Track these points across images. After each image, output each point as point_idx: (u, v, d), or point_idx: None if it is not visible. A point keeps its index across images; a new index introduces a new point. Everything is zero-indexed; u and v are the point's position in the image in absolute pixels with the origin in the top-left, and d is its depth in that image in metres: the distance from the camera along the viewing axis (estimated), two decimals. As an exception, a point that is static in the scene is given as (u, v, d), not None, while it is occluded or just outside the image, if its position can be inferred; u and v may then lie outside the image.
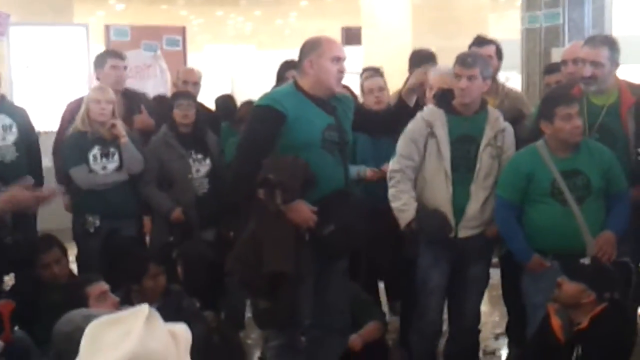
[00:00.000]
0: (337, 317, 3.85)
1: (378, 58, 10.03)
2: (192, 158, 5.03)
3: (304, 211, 3.57)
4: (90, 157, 4.88)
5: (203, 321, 4.15)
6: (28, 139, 5.14)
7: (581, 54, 4.25)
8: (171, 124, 5.07)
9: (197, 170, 5.03)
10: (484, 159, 4.12)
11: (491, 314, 5.71)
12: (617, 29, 7.75)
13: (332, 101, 3.78)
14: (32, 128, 5.28)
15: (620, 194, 3.99)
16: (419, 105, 4.23)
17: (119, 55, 5.52)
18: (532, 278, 4.01)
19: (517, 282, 4.17)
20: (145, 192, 5.02)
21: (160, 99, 5.89)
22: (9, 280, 5.06)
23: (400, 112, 4.08)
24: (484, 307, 4.95)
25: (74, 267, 4.90)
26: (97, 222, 4.87)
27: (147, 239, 5.32)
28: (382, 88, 4.85)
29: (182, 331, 1.67)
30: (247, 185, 3.62)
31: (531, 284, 4.02)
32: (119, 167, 4.92)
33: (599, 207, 3.97)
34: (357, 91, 5.13)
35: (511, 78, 7.61)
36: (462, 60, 4.10)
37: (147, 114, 5.48)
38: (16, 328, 3.95)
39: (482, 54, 4.46)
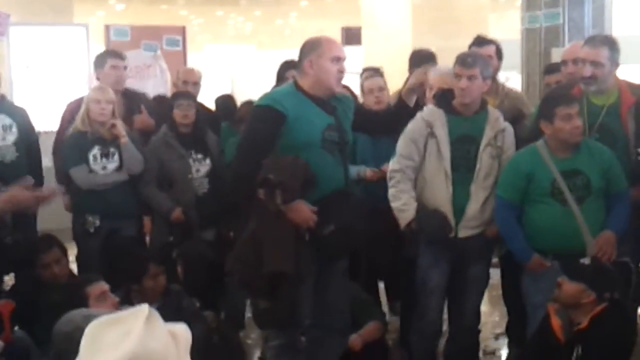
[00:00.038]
0: (337, 317, 3.85)
1: (378, 58, 10.03)
2: (192, 158, 5.03)
3: (304, 211, 3.57)
4: (90, 157, 4.88)
5: (203, 321, 4.15)
6: (28, 139, 5.15)
7: (581, 54, 4.25)
8: (171, 124, 5.07)
9: (197, 170, 5.03)
10: (484, 159, 4.12)
11: (491, 314, 5.71)
12: (617, 29, 7.75)
13: (332, 101, 3.78)
14: (32, 128, 5.29)
15: (620, 194, 3.99)
16: (418, 105, 4.23)
17: (119, 56, 5.52)
18: (532, 278, 4.01)
19: (517, 282, 4.17)
20: (145, 192, 5.02)
21: (160, 99, 5.89)
22: (9, 280, 5.06)
23: (400, 112, 4.08)
24: (484, 307, 4.95)
25: (73, 267, 4.90)
26: (97, 222, 4.87)
27: (147, 239, 5.33)
28: (382, 88, 4.85)
29: (182, 331, 1.67)
30: (247, 185, 3.62)
31: (531, 284, 4.02)
32: (119, 167, 4.92)
33: (599, 207, 3.97)
34: (357, 91, 5.14)
35: (511, 78, 7.61)
36: (462, 60, 4.10)
37: (147, 114, 5.48)
38: (16, 328, 3.95)
39: (482, 54, 4.46)
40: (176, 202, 4.97)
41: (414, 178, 4.17)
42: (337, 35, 14.21)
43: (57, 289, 4.02)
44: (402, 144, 4.19)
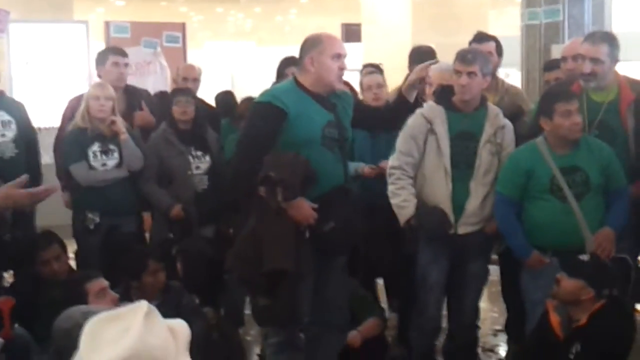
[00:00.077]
0: (335, 313, 3.86)
1: (378, 55, 10.02)
2: (191, 155, 5.03)
3: (304, 208, 3.57)
4: (90, 154, 4.88)
5: (202, 318, 4.15)
6: (27, 136, 5.14)
7: (581, 50, 4.25)
8: (170, 120, 5.07)
9: (197, 167, 5.03)
10: (484, 156, 4.12)
11: (490, 311, 5.71)
12: (616, 26, 7.75)
13: (331, 98, 3.77)
14: (31, 124, 5.28)
15: (620, 191, 4.00)
16: (418, 102, 4.23)
17: (121, 52, 5.53)
18: (531, 275, 4.02)
19: (516, 279, 4.17)
20: (144, 188, 5.02)
21: (161, 95, 5.89)
22: (9, 277, 5.07)
23: (400, 108, 4.08)
24: (483, 304, 4.96)
25: (73, 263, 4.90)
26: (97, 219, 4.87)
27: (147, 235, 5.33)
28: (381, 85, 4.84)
29: (181, 327, 1.67)
30: (247, 182, 3.62)
31: (530, 281, 4.02)
32: (119, 164, 4.92)
33: (598, 203, 3.97)
34: (357, 88, 5.13)
35: (511, 75, 7.61)
36: (462, 57, 4.10)
37: (147, 111, 5.48)
38: (16, 325, 3.96)
39: (482, 50, 4.45)
40: (176, 199, 4.97)
41: (413, 175, 4.17)
42: (337, 32, 14.18)
43: (56, 285, 4.02)
44: (401, 140, 4.19)
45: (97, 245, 4.86)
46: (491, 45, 4.79)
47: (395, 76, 5.56)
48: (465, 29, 7.16)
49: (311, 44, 3.72)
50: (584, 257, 3.69)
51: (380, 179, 4.38)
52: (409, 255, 4.30)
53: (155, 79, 7.75)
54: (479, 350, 4.77)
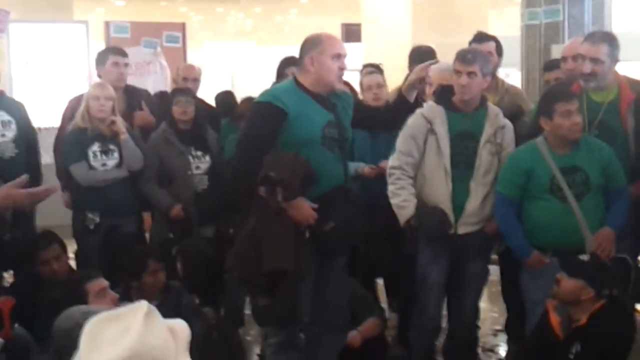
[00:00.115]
0: (335, 313, 3.86)
1: (378, 55, 10.02)
2: (191, 155, 5.03)
3: (304, 208, 3.57)
4: (90, 154, 4.88)
5: (202, 318, 4.15)
6: (27, 136, 5.14)
7: (581, 50, 4.25)
8: (170, 120, 5.07)
9: (197, 167, 5.03)
10: (484, 156, 4.12)
11: (490, 311, 5.71)
12: (616, 26, 7.75)
13: (331, 98, 3.77)
14: (31, 124, 5.27)
15: (620, 191, 4.00)
16: (418, 102, 4.23)
17: (121, 52, 5.53)
18: (531, 275, 4.01)
19: (516, 279, 4.17)
20: (144, 188, 5.02)
21: (162, 95, 5.89)
22: (9, 277, 5.07)
23: (400, 107, 4.08)
24: (483, 304, 4.96)
25: (73, 264, 4.90)
26: (97, 219, 4.87)
27: (147, 235, 5.33)
28: (381, 85, 4.84)
29: (180, 327, 1.67)
30: (247, 182, 3.62)
31: (530, 281, 4.02)
32: (119, 164, 4.92)
33: (598, 203, 3.97)
34: (357, 88, 5.13)
35: (511, 75, 7.61)
36: (462, 57, 4.10)
37: (147, 111, 5.48)
38: (16, 325, 3.96)
39: (482, 50, 4.45)
40: (176, 199, 4.97)
41: (413, 175, 4.17)
42: (337, 32, 14.18)
43: (56, 285, 4.02)
44: (401, 140, 4.19)
45: (97, 245, 4.86)
46: (491, 45, 4.79)
47: (395, 76, 5.56)
48: (465, 29, 7.16)
49: (311, 44, 3.71)
50: (584, 257, 3.69)
51: (380, 179, 4.37)
52: (409, 255, 4.30)
53: (155, 79, 7.75)
54: (479, 350, 4.77)
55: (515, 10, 8.39)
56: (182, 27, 9.60)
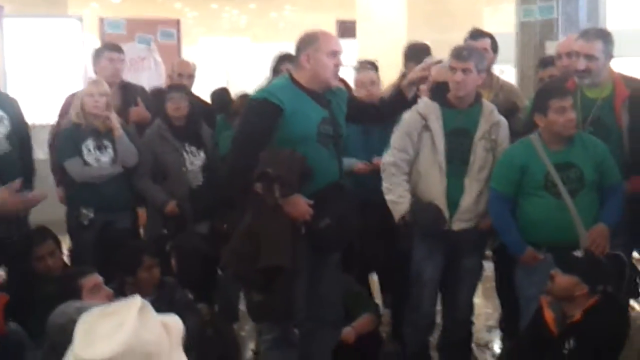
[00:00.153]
0: (329, 309, 3.86)
1: (373, 51, 10.00)
2: (186, 151, 5.03)
3: (300, 205, 3.57)
4: (84, 150, 4.87)
5: (197, 314, 4.15)
6: (20, 132, 5.11)
7: (575, 47, 4.26)
8: (165, 116, 5.07)
9: (192, 163, 5.03)
10: (478, 152, 4.13)
11: (484, 307, 5.72)
12: (611, 22, 7.75)
13: (326, 94, 3.77)
14: (24, 120, 5.25)
15: (614, 187, 4.00)
16: (415, 99, 4.22)
17: (116, 48, 5.54)
18: (525, 271, 4.02)
19: (510, 275, 4.18)
20: (139, 184, 5.01)
21: (157, 91, 5.88)
22: (3, 273, 5.05)
23: (396, 103, 4.07)
24: (477, 300, 4.96)
25: (67, 260, 4.89)
26: (92, 215, 4.86)
27: (142, 231, 5.33)
28: (374, 82, 4.83)
29: (174, 322, 1.67)
30: (242, 179, 3.61)
31: (524, 277, 4.03)
32: (113, 160, 4.91)
33: (593, 200, 3.97)
34: (352, 84, 5.12)
35: (505, 71, 7.61)
36: (457, 54, 4.10)
37: (143, 107, 5.48)
38: (10, 321, 3.95)
39: (477, 47, 4.45)
40: (170, 195, 4.96)
41: (408, 171, 4.17)
42: (331, 29, 14.17)
43: (50, 281, 4.01)
44: (396, 137, 4.20)
45: (91, 241, 4.86)
46: (486, 42, 4.79)
47: (390, 73, 5.56)
48: (460, 25, 7.15)
49: (307, 41, 3.71)
50: (578, 254, 3.70)
51: (374, 175, 4.38)
52: (403, 251, 4.31)
53: (149, 75, 7.75)
54: (473, 346, 4.78)
55: (510, 7, 8.38)
56: (177, 23, 9.59)
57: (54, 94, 7.22)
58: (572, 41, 4.48)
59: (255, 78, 5.25)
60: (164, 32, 8.87)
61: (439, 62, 4.12)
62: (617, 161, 4.04)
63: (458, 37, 5.04)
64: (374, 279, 5.27)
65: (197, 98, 5.76)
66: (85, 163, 4.88)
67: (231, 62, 15.91)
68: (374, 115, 4.18)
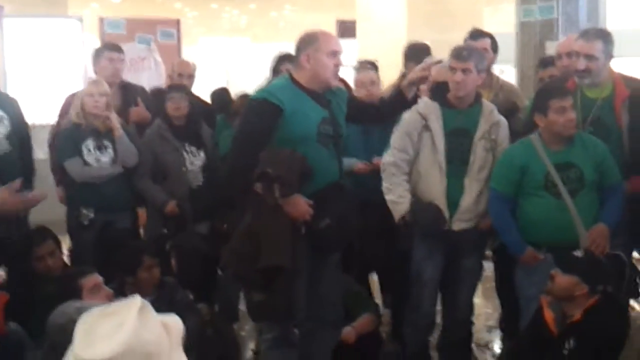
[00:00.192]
0: (329, 309, 3.86)
1: (373, 51, 10.00)
2: (186, 151, 5.03)
3: (301, 205, 3.57)
4: (84, 150, 4.87)
5: (197, 314, 4.15)
6: (20, 132, 5.11)
7: (575, 47, 4.26)
8: (165, 116, 5.07)
9: (192, 163, 5.03)
10: (478, 152, 4.13)
11: (484, 307, 5.72)
12: (611, 22, 7.75)
13: (326, 94, 3.77)
14: (24, 120, 5.25)
15: (614, 187, 4.00)
16: (415, 99, 4.22)
17: (116, 48, 5.54)
18: (525, 271, 4.02)
19: (510, 275, 4.18)
20: (139, 184, 5.02)
21: (158, 92, 5.89)
22: (3, 273, 5.05)
23: (397, 103, 4.07)
24: (477, 300, 4.96)
25: (67, 260, 4.89)
26: (92, 215, 4.86)
27: (142, 231, 5.33)
28: (374, 82, 4.82)
29: (174, 322, 1.67)
30: (243, 179, 3.61)
31: (524, 277, 4.03)
32: (113, 160, 4.91)
33: (593, 200, 3.97)
34: (352, 84, 5.11)
35: (505, 71, 7.60)
36: (457, 54, 4.10)
37: (143, 107, 5.47)
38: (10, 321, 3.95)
39: (477, 47, 4.45)
40: (170, 195, 4.96)
41: (408, 171, 4.17)
42: (331, 29, 14.17)
43: (51, 281, 4.01)
44: (396, 137, 4.20)
45: (91, 241, 4.86)
46: (486, 42, 4.79)
47: (390, 73, 5.56)
48: (460, 25, 7.16)
49: (307, 41, 3.71)
50: (578, 253, 3.69)
51: (373, 175, 4.38)
52: (403, 251, 4.31)
53: (149, 75, 7.75)
54: (473, 346, 4.78)
55: (510, 7, 8.38)
56: (177, 23, 9.59)
57: (54, 94, 7.22)
58: (572, 41, 4.48)
59: (255, 78, 5.24)
60: (164, 32, 8.87)
61: (439, 62, 4.12)
62: (617, 161, 4.04)
63: (458, 37, 5.04)
64: (373, 279, 5.27)
65: (197, 98, 5.76)
66: (85, 163, 4.88)
67: (231, 62, 15.91)
68: (374, 115, 4.18)
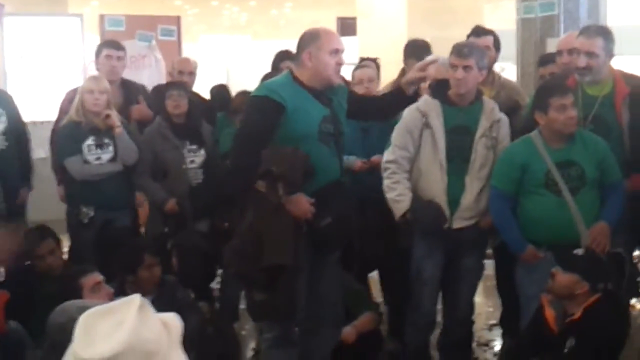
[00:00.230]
0: (329, 308, 3.85)
1: (373, 49, 9.98)
2: (186, 149, 5.03)
3: (303, 203, 3.56)
4: (85, 148, 4.86)
5: (197, 312, 4.15)
6: (17, 129, 5.09)
7: (576, 44, 4.25)
8: (165, 114, 5.06)
9: (192, 161, 5.03)
10: (479, 150, 4.12)
11: (485, 305, 5.72)
12: (612, 19, 7.74)
13: (327, 92, 3.76)
14: (20, 117, 5.24)
15: (615, 185, 4.00)
16: (416, 95, 4.21)
17: (114, 45, 5.52)
18: (526, 269, 4.02)
19: (511, 273, 4.17)
20: (139, 182, 5.01)
21: (159, 89, 5.88)
22: (3, 271, 5.05)
23: (397, 98, 4.06)
24: (478, 298, 4.95)
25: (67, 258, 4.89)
26: (92, 213, 4.86)
27: (142, 229, 5.32)
28: (372, 79, 4.81)
29: (173, 320, 1.67)
30: (245, 176, 3.61)
31: (525, 275, 4.02)
32: (114, 158, 4.90)
33: (593, 198, 3.97)
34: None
35: (506, 68, 7.59)
36: (458, 51, 4.09)
37: (145, 105, 5.47)
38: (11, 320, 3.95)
39: (478, 44, 4.44)
40: (170, 193, 4.96)
41: (409, 169, 4.16)
42: (332, 26, 14.15)
43: (51, 280, 4.01)
44: (397, 134, 4.19)
45: (91, 240, 4.85)
46: (489, 40, 4.78)
47: (391, 70, 5.55)
48: (461, 22, 7.16)
49: (309, 39, 3.70)
50: (579, 252, 3.69)
51: (372, 172, 4.37)
52: (404, 249, 4.30)
53: (150, 73, 7.73)
54: (474, 344, 4.77)
55: (510, 3, 8.36)
56: (177, 20, 9.57)
57: (55, 92, 7.21)
58: (572, 38, 4.47)
59: (256, 75, 5.23)
60: (164, 30, 8.85)
61: (434, 61, 4.10)
62: (617, 159, 4.04)
63: (458, 34, 5.03)
64: (374, 277, 5.26)
65: (197, 95, 5.76)
66: (86, 161, 4.87)
67: (232, 60, 15.91)
68: (374, 110, 4.14)
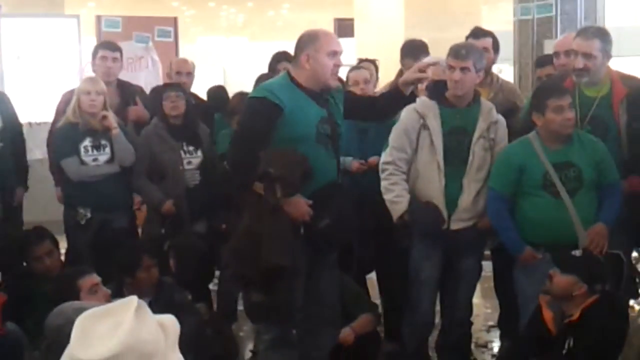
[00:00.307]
0: (327, 309, 3.85)
1: (371, 50, 9.99)
2: (183, 150, 5.02)
3: (301, 205, 3.56)
4: (82, 149, 4.85)
5: (195, 314, 4.14)
6: (13, 129, 5.08)
7: (573, 45, 4.25)
8: (162, 115, 5.06)
9: (189, 162, 5.02)
10: (477, 151, 4.12)
11: (483, 306, 5.72)
12: (609, 21, 7.76)
13: (324, 94, 3.76)
14: (16, 117, 5.22)
15: (612, 186, 4.00)
16: (413, 96, 4.21)
17: (110, 46, 5.50)
18: (524, 270, 4.02)
19: (509, 275, 4.17)
20: (136, 184, 5.00)
21: (157, 91, 5.87)
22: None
23: (394, 98, 4.05)
24: (476, 300, 4.95)
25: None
26: (88, 214, 4.85)
27: (140, 230, 5.31)
28: (367, 80, 4.80)
29: (170, 322, 1.67)
30: (242, 178, 3.61)
31: (523, 276, 4.02)
32: (110, 159, 4.89)
33: (591, 199, 3.97)
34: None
35: (504, 70, 7.61)
36: (456, 52, 4.09)
37: (141, 106, 5.46)
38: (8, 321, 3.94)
39: (477, 45, 4.44)
40: (167, 194, 4.95)
41: (406, 170, 4.16)
42: (329, 27, 14.16)
43: (48, 281, 4.00)
44: (394, 135, 4.19)
45: (87, 241, 4.84)
46: (488, 41, 4.77)
47: (388, 71, 5.55)
48: (458, 24, 7.17)
49: (307, 41, 3.69)
50: (577, 253, 3.69)
51: (368, 173, 4.36)
52: (402, 250, 4.30)
53: (147, 74, 7.73)
54: (472, 346, 4.77)
55: (508, 5, 8.39)
56: (174, 21, 9.55)
57: (52, 93, 7.20)
58: (570, 39, 4.47)
59: (253, 77, 5.23)
60: (161, 31, 8.85)
61: (435, 64, 4.09)
62: (615, 160, 4.04)
63: (456, 35, 5.03)
64: (372, 279, 5.25)
65: (195, 96, 5.75)
66: (83, 162, 4.86)
67: (229, 61, 15.93)
68: (371, 110, 4.14)
